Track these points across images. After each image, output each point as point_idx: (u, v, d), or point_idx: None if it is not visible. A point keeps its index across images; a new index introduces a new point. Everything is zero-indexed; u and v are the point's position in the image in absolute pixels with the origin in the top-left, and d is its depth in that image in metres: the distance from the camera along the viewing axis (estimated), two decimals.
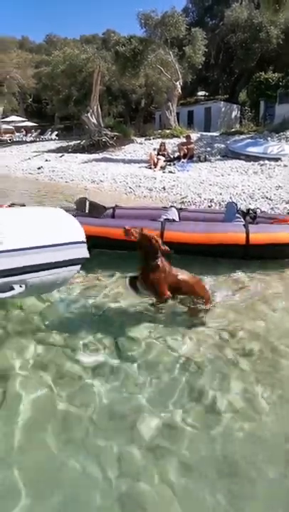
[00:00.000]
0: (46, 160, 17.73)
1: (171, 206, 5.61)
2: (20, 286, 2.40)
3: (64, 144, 22.80)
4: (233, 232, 4.41)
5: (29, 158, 19.38)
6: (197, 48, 20.55)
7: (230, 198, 7.82)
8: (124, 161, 14.76)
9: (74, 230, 2.84)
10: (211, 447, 1.95)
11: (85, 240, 2.85)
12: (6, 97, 32.98)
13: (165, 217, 4.87)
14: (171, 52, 19.78)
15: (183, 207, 6.62)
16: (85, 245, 2.86)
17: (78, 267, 2.90)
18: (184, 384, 2.40)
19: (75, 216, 4.98)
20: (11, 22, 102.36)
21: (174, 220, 4.83)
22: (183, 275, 3.08)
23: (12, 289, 2.37)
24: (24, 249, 2.42)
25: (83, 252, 2.84)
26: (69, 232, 2.79)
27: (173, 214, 5.05)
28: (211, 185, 9.18)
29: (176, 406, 2.22)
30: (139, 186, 10.00)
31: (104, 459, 1.87)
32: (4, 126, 33.53)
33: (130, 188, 10.05)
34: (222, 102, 24.76)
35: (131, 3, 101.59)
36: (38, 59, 35.90)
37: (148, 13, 20.40)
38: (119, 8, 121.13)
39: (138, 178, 10.88)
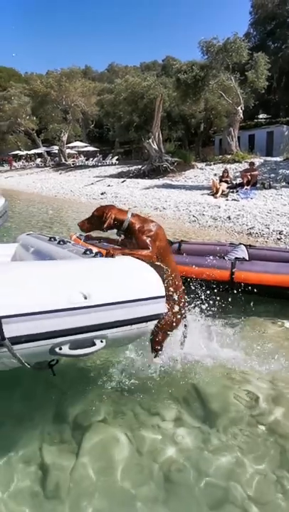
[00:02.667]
0: (108, 185, 18.31)
1: (240, 243, 5.45)
2: (102, 342, 2.38)
3: (125, 168, 23.45)
4: None
5: (92, 183, 20.13)
6: (260, 72, 20.42)
7: None
8: (185, 188, 14.85)
9: (154, 284, 2.72)
10: None
11: (164, 294, 2.72)
12: (71, 124, 34.69)
13: (235, 255, 4.77)
14: (232, 78, 19.87)
15: (251, 244, 6.47)
16: (164, 300, 2.73)
17: (156, 321, 2.79)
18: (273, 451, 2.29)
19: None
20: (76, 53, 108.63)
21: (244, 259, 4.71)
22: None
23: (94, 344, 2.35)
24: (108, 305, 2.39)
25: (162, 308, 2.72)
26: (149, 286, 2.68)
27: (242, 252, 4.91)
28: (278, 215, 8.92)
29: (268, 473, 2.13)
30: (203, 215, 9.96)
31: None
32: (68, 151, 35.27)
33: (194, 216, 10.04)
34: (285, 126, 24.24)
35: (187, 29, 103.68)
36: (100, 87, 37.58)
37: (210, 41, 20.71)
38: (178, 33, 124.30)
39: (201, 206, 10.86)
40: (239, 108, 19.91)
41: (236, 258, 4.64)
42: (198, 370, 3.03)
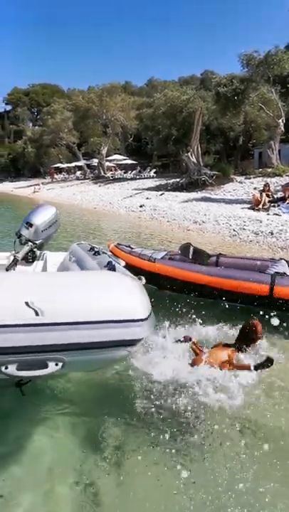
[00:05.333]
0: (147, 198, 18.48)
1: (281, 259, 5.22)
2: (56, 365, 2.12)
3: (163, 181, 23.61)
4: None
5: (130, 196, 20.40)
6: None
7: None
8: (224, 201, 14.74)
9: (131, 305, 2.38)
10: None
11: (145, 317, 2.39)
12: (110, 138, 35.45)
13: (274, 270, 4.58)
14: (273, 90, 19.67)
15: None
16: (145, 323, 2.38)
17: (132, 348, 2.44)
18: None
19: (178, 261, 5.07)
20: (116, 69, 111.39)
21: (284, 274, 4.51)
22: None
23: (46, 366, 2.11)
24: (65, 324, 2.11)
25: (138, 333, 2.35)
26: (125, 307, 2.35)
27: (283, 267, 4.70)
28: None
29: None
30: (244, 229, 9.84)
31: None
32: (107, 163, 36.01)
33: (234, 230, 9.94)
34: None
35: (225, 43, 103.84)
36: (139, 102, 38.26)
37: (250, 54, 20.61)
38: (216, 48, 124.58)
39: (242, 220, 10.73)
40: (280, 121, 19.62)
41: (276, 273, 4.47)
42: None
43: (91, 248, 4.22)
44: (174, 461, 2.38)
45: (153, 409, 2.71)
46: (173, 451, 2.44)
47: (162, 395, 2.81)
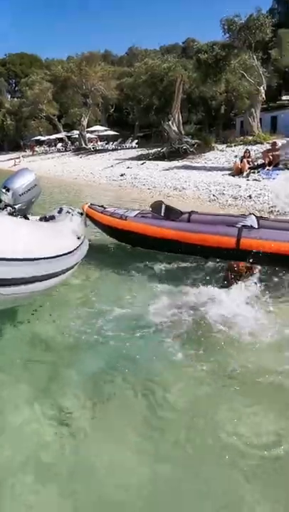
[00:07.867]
0: (128, 167, 18.28)
1: (250, 214, 5.30)
2: None
3: (144, 151, 23.32)
4: None
5: (112, 166, 20.15)
6: (284, 50, 19.84)
7: None
8: (205, 169, 14.68)
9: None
10: None
11: (15, 257, 2.35)
12: (91, 108, 34.61)
13: (242, 223, 4.63)
14: (254, 56, 19.35)
15: (264, 216, 6.25)
16: (16, 264, 2.34)
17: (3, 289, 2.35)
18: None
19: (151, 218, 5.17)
20: (94, 37, 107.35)
21: (252, 227, 4.56)
22: None
23: None
24: None
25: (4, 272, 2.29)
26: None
27: (251, 221, 4.74)
28: None
29: None
30: (223, 194, 9.89)
31: None
32: (88, 135, 35.28)
33: (214, 195, 9.98)
34: None
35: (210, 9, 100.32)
36: (120, 71, 37.24)
37: (232, 18, 20.08)
38: (200, 14, 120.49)
39: (221, 185, 10.76)
40: (261, 88, 19.42)
41: (243, 225, 4.53)
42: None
43: (60, 208, 4.50)
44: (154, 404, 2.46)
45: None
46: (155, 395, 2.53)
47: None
